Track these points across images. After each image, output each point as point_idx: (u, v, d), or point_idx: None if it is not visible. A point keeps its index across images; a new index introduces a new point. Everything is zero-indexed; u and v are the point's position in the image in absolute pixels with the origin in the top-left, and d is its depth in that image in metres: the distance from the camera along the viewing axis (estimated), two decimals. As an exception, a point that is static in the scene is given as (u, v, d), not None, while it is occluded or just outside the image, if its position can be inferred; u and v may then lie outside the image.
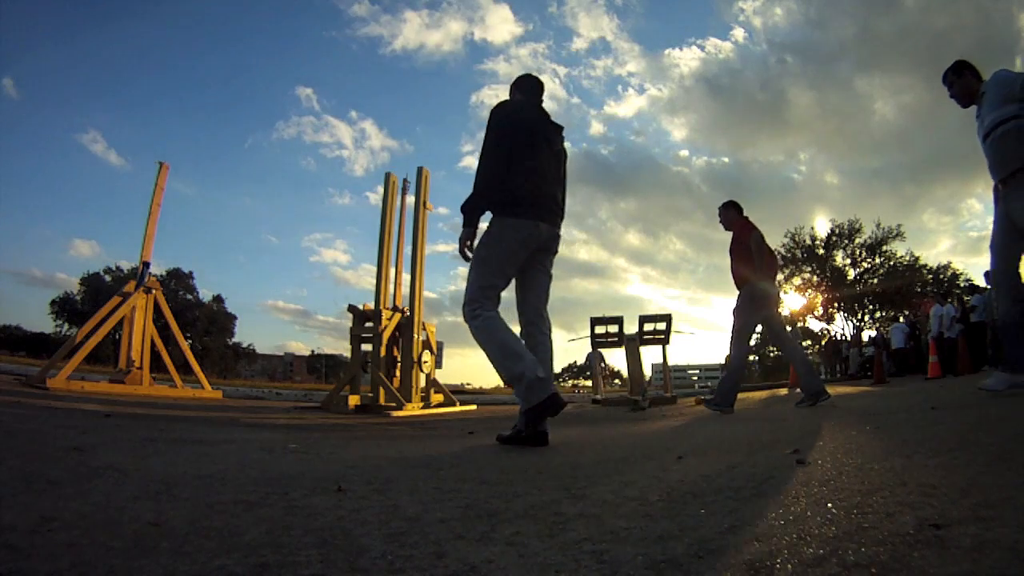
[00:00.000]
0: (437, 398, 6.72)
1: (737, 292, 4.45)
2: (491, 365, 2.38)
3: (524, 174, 2.40)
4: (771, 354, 37.44)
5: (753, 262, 4.30)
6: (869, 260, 32.22)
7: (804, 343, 32.61)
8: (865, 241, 32.04)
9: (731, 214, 4.58)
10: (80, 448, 1.73)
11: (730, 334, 4.44)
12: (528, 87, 2.71)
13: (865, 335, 21.78)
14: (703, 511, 1.03)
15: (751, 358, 39.45)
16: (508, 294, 2.55)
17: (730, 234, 4.58)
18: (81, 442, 1.88)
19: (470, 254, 2.42)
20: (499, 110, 2.48)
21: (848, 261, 32.78)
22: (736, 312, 4.42)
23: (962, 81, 2.92)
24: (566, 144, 2.74)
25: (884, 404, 3.74)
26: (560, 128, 2.67)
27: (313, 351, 73.75)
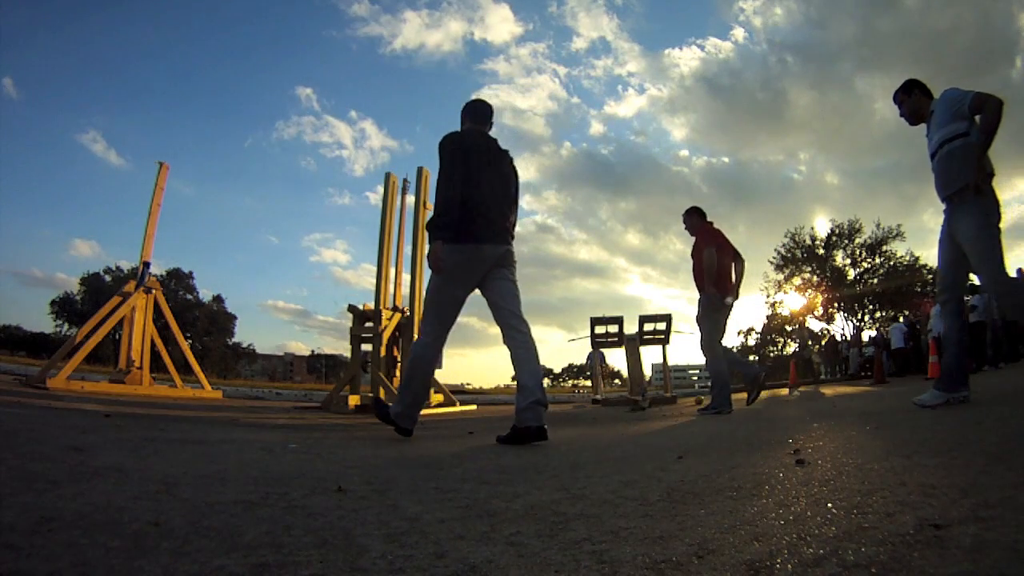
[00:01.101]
0: (437, 398, 6.72)
1: (698, 298, 4.65)
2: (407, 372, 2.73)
3: (466, 202, 2.59)
4: (771, 354, 37.44)
5: (712, 270, 4.48)
6: (869, 260, 32.20)
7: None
8: (865, 241, 32.03)
9: (694, 220, 4.77)
10: (80, 448, 1.73)
11: (700, 343, 4.59)
12: (476, 113, 2.88)
13: (865, 335, 21.78)
14: (703, 511, 1.03)
15: (751, 358, 39.51)
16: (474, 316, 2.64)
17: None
18: (81, 442, 1.88)
19: (442, 268, 2.58)
20: (445, 142, 2.68)
21: (848, 261, 32.77)
22: (700, 320, 4.59)
23: (912, 100, 2.92)
24: (516, 165, 2.91)
25: (884, 404, 3.74)
26: (505, 152, 2.86)
27: (313, 351, 73.73)
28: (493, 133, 2.91)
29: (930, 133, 2.83)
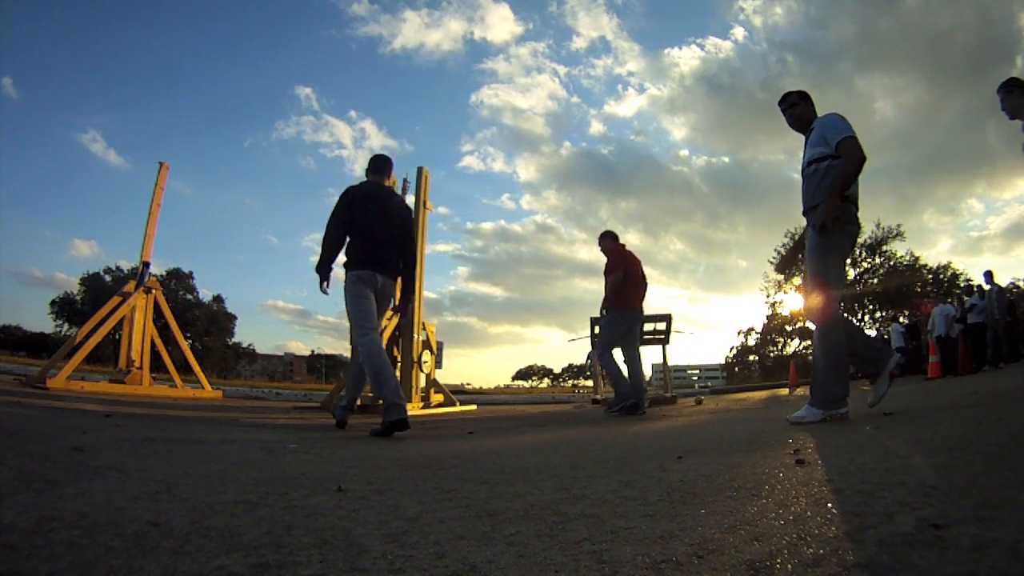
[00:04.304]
0: (437, 398, 6.72)
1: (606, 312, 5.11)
2: (368, 374, 3.19)
3: (360, 240, 3.32)
4: (771, 355, 37.46)
5: (623, 291, 4.91)
6: (869, 260, 32.18)
7: (803, 344, 32.66)
8: (865, 241, 31.95)
9: (606, 243, 5.17)
10: (80, 448, 1.73)
11: (598, 349, 5.01)
12: (373, 167, 3.58)
13: (865, 335, 21.72)
14: (703, 511, 1.03)
15: (751, 358, 39.58)
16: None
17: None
18: (81, 442, 1.88)
19: (327, 293, 3.44)
20: (342, 194, 3.38)
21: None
22: (603, 330, 5.10)
23: (803, 106, 2.97)
24: (408, 202, 3.69)
25: (883, 404, 3.74)
26: (397, 199, 3.61)
27: (313, 351, 73.81)
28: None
29: (804, 149, 2.93)
